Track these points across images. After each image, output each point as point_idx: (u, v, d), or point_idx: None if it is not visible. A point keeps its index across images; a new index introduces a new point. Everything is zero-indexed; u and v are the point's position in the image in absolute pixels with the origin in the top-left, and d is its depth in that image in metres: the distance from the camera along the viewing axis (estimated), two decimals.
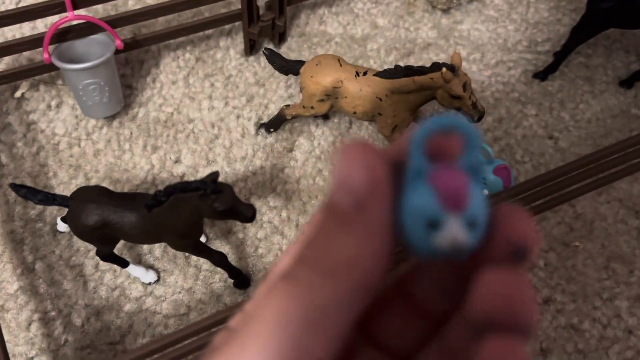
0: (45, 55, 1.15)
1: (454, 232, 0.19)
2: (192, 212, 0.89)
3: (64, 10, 1.13)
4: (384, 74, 1.08)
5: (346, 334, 0.20)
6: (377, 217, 0.20)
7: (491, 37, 1.47)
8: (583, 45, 1.42)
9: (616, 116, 1.36)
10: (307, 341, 0.19)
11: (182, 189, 0.85)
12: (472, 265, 0.21)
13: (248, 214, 0.87)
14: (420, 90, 1.05)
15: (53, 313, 1.06)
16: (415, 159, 0.20)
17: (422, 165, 0.20)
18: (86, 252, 1.12)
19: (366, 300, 0.20)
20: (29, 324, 1.04)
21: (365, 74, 1.11)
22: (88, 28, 1.18)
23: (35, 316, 1.05)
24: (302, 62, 1.17)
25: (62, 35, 1.17)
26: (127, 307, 1.07)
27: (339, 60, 1.13)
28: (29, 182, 1.18)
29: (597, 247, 1.18)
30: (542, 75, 1.39)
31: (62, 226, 1.12)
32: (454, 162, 0.20)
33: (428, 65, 1.11)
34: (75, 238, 1.12)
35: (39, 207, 1.15)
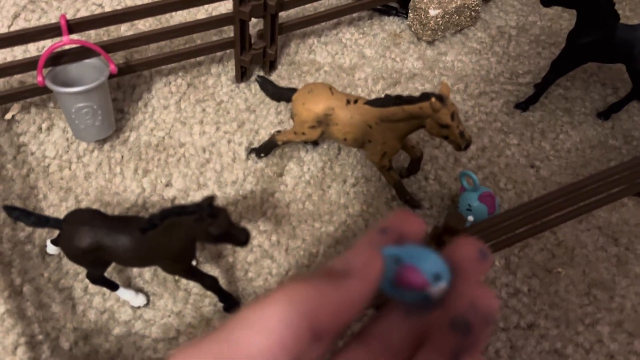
0: (39, 78, 1.16)
1: (436, 291, 0.28)
2: (186, 235, 0.90)
3: (59, 34, 1.14)
4: (375, 103, 1.11)
5: (286, 353, 0.25)
6: (355, 286, 0.26)
7: (474, 69, 1.52)
8: (562, 78, 1.47)
9: (595, 147, 1.41)
10: (253, 340, 0.23)
11: (177, 212, 0.86)
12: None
13: (242, 238, 0.88)
14: (410, 119, 1.08)
15: (40, 337, 1.05)
16: (390, 290, 0.29)
17: (384, 281, 0.29)
18: (75, 275, 1.11)
19: (311, 339, 0.25)
20: (15, 348, 1.03)
21: (356, 102, 1.14)
22: (82, 52, 1.20)
23: (22, 340, 1.04)
24: (294, 90, 1.19)
25: (56, 58, 1.18)
26: (116, 330, 1.07)
27: (330, 88, 1.16)
28: (18, 204, 1.18)
29: (578, 273, 1.22)
30: (523, 105, 1.44)
31: (51, 248, 1.11)
32: (400, 264, 0.29)
33: (415, 94, 1.14)
34: (64, 260, 1.12)
35: (28, 229, 1.15)
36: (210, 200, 0.87)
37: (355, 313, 0.26)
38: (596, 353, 1.13)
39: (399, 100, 1.09)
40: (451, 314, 0.27)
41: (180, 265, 0.96)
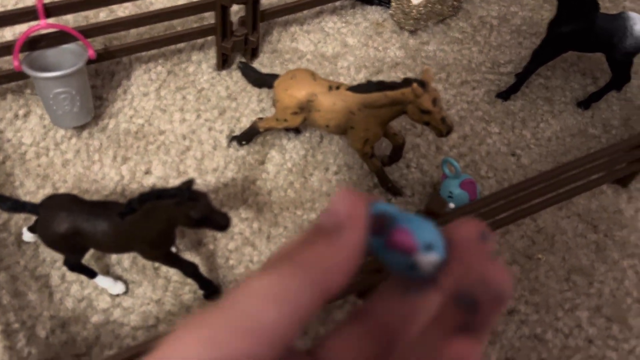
0: (16, 63, 1.14)
1: (425, 261, 0.27)
2: (166, 220, 0.89)
3: (36, 18, 1.12)
4: (357, 89, 1.11)
5: (305, 319, 0.24)
6: (350, 239, 0.26)
7: (456, 58, 1.52)
8: (542, 67, 1.48)
9: (575, 135, 1.42)
10: (264, 312, 0.23)
11: (157, 196, 0.85)
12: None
13: (223, 222, 0.88)
14: (392, 105, 1.08)
15: (16, 325, 1.03)
16: (378, 246, 0.28)
17: (378, 240, 0.28)
18: (52, 263, 1.10)
19: (324, 300, 0.25)
20: None
21: (338, 88, 1.13)
22: (60, 37, 1.18)
23: None
24: (276, 76, 1.19)
25: (34, 43, 1.16)
26: (94, 318, 1.06)
27: (312, 74, 1.16)
28: None
29: (558, 259, 1.23)
30: (504, 95, 1.45)
31: (27, 236, 1.09)
32: (393, 227, 0.28)
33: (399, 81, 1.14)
34: (41, 248, 1.10)
35: (4, 216, 1.13)
36: (189, 183, 0.86)
37: (355, 264, 0.26)
38: (575, 338, 1.14)
39: (381, 86, 1.08)
40: (457, 289, 0.26)
41: (159, 250, 0.95)
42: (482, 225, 0.27)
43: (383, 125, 1.14)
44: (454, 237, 0.28)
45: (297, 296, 0.24)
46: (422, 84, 1.03)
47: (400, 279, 0.29)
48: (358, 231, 0.26)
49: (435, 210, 0.94)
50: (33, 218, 1.06)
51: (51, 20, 1.19)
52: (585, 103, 1.46)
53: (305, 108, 1.15)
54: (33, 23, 1.14)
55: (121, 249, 0.96)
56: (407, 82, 1.04)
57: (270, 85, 1.19)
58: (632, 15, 1.31)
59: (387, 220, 0.28)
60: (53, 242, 0.94)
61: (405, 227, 0.27)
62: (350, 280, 0.26)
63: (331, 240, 0.25)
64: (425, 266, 0.27)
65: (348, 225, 0.26)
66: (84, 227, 0.92)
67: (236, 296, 0.24)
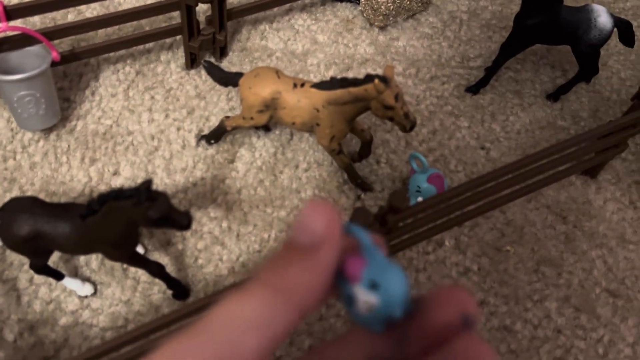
0: None
1: (361, 298, 0.25)
2: (126, 221, 0.88)
3: None
4: (320, 86, 1.11)
5: (282, 339, 0.24)
6: (326, 259, 0.25)
7: (426, 53, 1.53)
8: (512, 60, 1.49)
9: (544, 127, 1.43)
10: (246, 339, 0.23)
11: (115, 197, 0.85)
12: (430, 335, 0.26)
13: (184, 222, 0.88)
14: (356, 101, 1.08)
15: None
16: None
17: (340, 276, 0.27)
18: (20, 266, 1.09)
19: (299, 320, 0.25)
20: None
21: (302, 85, 1.14)
22: (24, 39, 1.17)
23: None
24: (240, 74, 1.19)
25: None
26: (63, 320, 1.05)
27: (277, 72, 1.16)
28: None
29: (527, 251, 1.24)
30: (474, 89, 1.46)
31: None
32: (356, 253, 0.27)
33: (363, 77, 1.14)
34: (8, 251, 1.09)
35: None
36: (147, 183, 0.86)
37: (330, 278, 0.26)
38: (544, 328, 1.15)
39: (344, 82, 1.09)
40: None
41: (122, 251, 0.95)
42: (465, 304, 0.26)
43: (349, 122, 1.14)
44: (431, 320, 0.26)
45: (276, 320, 0.24)
46: (384, 79, 1.03)
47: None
48: (333, 249, 0.26)
49: (397, 205, 0.94)
50: None
51: (14, 23, 1.18)
52: (554, 95, 1.47)
53: (271, 106, 1.15)
54: None
55: (84, 250, 0.96)
56: (369, 78, 1.05)
57: (235, 84, 1.19)
58: (596, 7, 1.32)
59: (353, 246, 0.27)
60: (15, 245, 0.94)
61: (361, 258, 0.26)
62: (325, 297, 0.26)
63: (308, 259, 0.25)
64: (361, 304, 0.26)
65: (323, 243, 0.25)
66: (45, 230, 0.91)
67: (215, 322, 0.23)
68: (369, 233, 0.27)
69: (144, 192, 0.83)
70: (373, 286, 0.25)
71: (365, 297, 0.25)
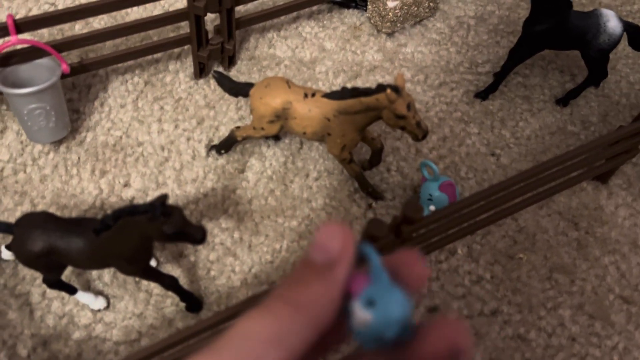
0: None
1: (357, 313, 0.27)
2: (140, 235, 0.88)
3: (7, 34, 1.11)
4: (332, 95, 1.11)
5: (300, 354, 0.25)
6: (341, 276, 0.27)
7: (434, 60, 1.52)
8: (521, 65, 1.48)
9: (554, 133, 1.43)
10: (267, 354, 0.24)
11: (130, 212, 0.84)
12: None
13: (198, 236, 0.87)
14: (367, 111, 1.08)
15: None
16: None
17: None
18: (32, 280, 1.09)
19: (316, 335, 0.26)
20: None
21: (313, 95, 1.13)
22: (33, 52, 1.17)
23: None
24: (251, 85, 1.18)
25: (6, 59, 1.15)
26: (76, 335, 1.05)
27: (287, 82, 1.16)
28: None
29: (540, 258, 1.23)
30: (483, 95, 1.45)
31: (6, 254, 1.09)
32: (362, 271, 0.28)
33: (374, 86, 1.14)
34: (20, 266, 1.09)
35: None
36: (163, 198, 0.85)
37: (342, 294, 0.27)
38: (558, 336, 1.14)
39: (355, 92, 1.08)
40: None
41: (136, 266, 0.94)
42: (457, 335, 0.26)
43: (360, 131, 1.14)
44: (423, 349, 0.26)
45: (295, 335, 0.25)
46: (396, 89, 1.03)
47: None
48: (346, 267, 0.27)
49: (411, 215, 0.94)
50: (11, 236, 1.05)
51: (24, 36, 1.18)
52: (564, 100, 1.46)
53: (282, 116, 1.14)
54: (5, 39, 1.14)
55: (98, 265, 0.96)
56: (381, 87, 1.04)
57: (245, 94, 1.19)
58: (605, 12, 1.31)
59: (361, 264, 0.28)
60: (29, 261, 0.93)
61: (365, 277, 0.28)
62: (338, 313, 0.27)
63: (324, 277, 0.26)
64: (357, 319, 0.27)
65: (338, 262, 0.27)
66: (58, 245, 0.91)
67: (236, 338, 0.24)
68: (379, 255, 0.28)
69: (159, 207, 0.83)
70: (370, 304, 0.27)
71: (360, 313, 0.27)
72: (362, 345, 0.27)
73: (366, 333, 0.27)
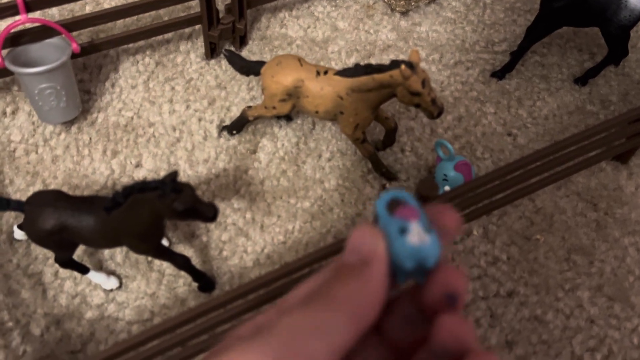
0: None
1: (415, 230, 0.28)
2: (151, 213, 0.87)
3: (17, 13, 1.10)
4: (344, 73, 1.09)
5: (343, 351, 0.26)
6: (377, 272, 0.28)
7: (449, 38, 1.49)
8: (538, 44, 1.45)
9: (572, 112, 1.39)
10: (311, 344, 0.25)
11: (140, 189, 0.83)
12: (427, 308, 0.29)
13: (209, 214, 0.86)
14: (380, 88, 1.06)
15: (10, 324, 1.03)
16: (383, 213, 0.30)
17: (388, 215, 0.29)
18: (45, 260, 1.09)
19: (360, 334, 0.26)
20: None
21: (326, 73, 1.11)
22: (43, 32, 1.16)
23: None
24: (262, 63, 1.16)
25: (16, 39, 1.15)
26: (89, 314, 1.05)
27: (299, 60, 1.14)
28: None
29: (557, 239, 1.21)
30: (499, 74, 1.42)
31: (19, 234, 1.09)
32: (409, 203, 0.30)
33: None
34: (33, 245, 1.09)
35: None
36: (173, 175, 0.84)
37: (384, 296, 0.28)
38: (576, 318, 1.12)
39: (369, 69, 1.06)
40: (432, 343, 0.27)
41: (148, 244, 0.94)
42: (455, 283, 0.28)
43: (373, 110, 1.11)
44: (423, 296, 0.28)
45: (333, 330, 0.25)
46: (411, 65, 1.01)
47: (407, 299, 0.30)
48: (382, 264, 0.28)
49: (425, 194, 0.92)
50: (23, 215, 1.05)
51: (34, 15, 1.17)
52: (583, 79, 1.43)
53: (293, 94, 1.13)
54: (15, 18, 1.13)
55: (110, 243, 0.95)
56: (395, 64, 1.02)
57: (257, 73, 1.17)
58: None
59: (401, 200, 0.30)
60: (40, 239, 0.93)
61: (415, 209, 0.29)
62: (380, 314, 0.28)
63: (360, 274, 0.27)
64: (413, 235, 0.28)
65: (372, 259, 0.27)
66: (70, 223, 0.90)
67: (280, 328, 0.25)
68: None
69: (169, 184, 0.82)
70: (427, 229, 0.28)
71: (422, 234, 0.28)
72: (397, 272, 0.28)
73: (415, 256, 0.28)
